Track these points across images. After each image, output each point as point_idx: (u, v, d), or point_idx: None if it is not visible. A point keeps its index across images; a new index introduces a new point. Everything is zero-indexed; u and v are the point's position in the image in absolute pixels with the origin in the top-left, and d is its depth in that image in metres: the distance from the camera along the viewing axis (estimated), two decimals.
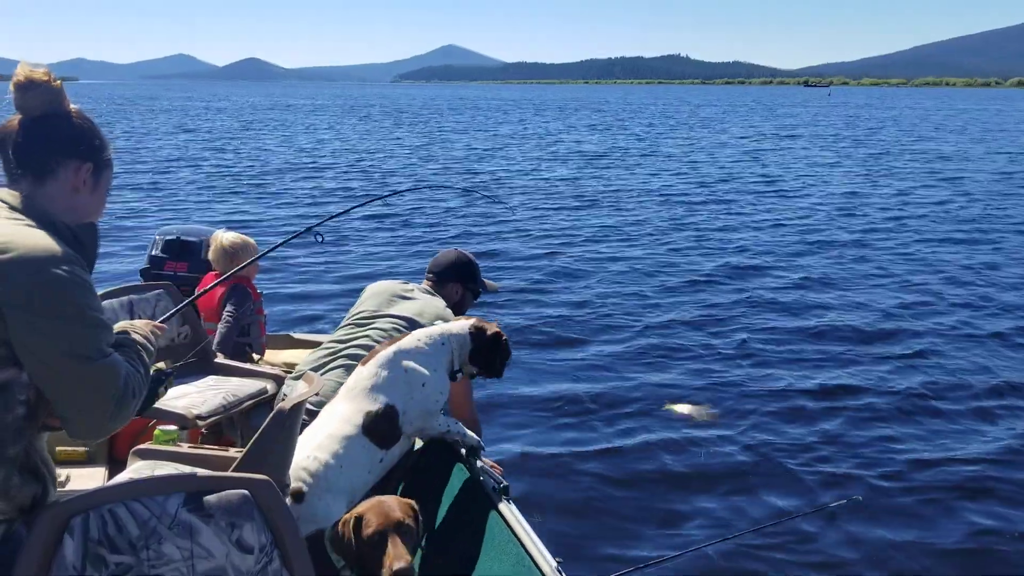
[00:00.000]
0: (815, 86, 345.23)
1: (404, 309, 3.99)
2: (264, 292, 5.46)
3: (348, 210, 5.14)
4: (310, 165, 26.90)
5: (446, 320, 3.89)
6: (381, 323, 3.88)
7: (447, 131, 46.83)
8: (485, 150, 33.36)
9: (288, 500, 3.06)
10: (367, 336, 3.85)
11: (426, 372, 3.45)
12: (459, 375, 3.65)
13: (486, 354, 3.62)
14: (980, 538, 5.23)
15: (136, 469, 2.99)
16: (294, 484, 3.08)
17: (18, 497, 2.06)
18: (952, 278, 11.94)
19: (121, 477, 2.93)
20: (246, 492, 2.19)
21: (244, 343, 4.74)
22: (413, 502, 2.61)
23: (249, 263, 4.53)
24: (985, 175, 25.61)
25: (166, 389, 2.43)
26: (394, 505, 2.53)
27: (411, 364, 3.44)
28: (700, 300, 10.73)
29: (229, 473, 2.49)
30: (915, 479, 5.94)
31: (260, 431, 2.78)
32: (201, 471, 2.72)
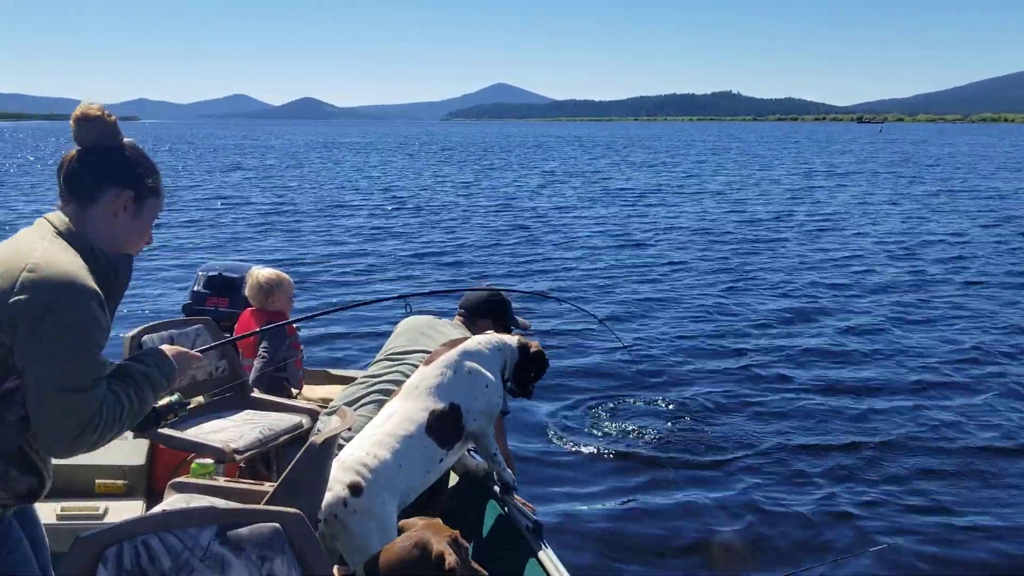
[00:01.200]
0: (868, 122, 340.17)
1: (436, 344, 4.03)
2: (304, 328, 5.52)
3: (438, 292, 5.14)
4: (359, 203, 27.26)
5: None
6: (413, 358, 3.93)
7: (496, 168, 47.18)
8: (534, 188, 33.51)
9: (346, 493, 3.11)
10: (399, 371, 3.90)
11: (489, 375, 3.60)
12: (509, 385, 3.76)
13: (525, 370, 3.76)
14: None
15: (171, 502, 3.04)
16: (353, 478, 3.14)
17: (16, 487, 2.21)
18: (1011, 325, 11.49)
19: (157, 510, 2.98)
20: (277, 525, 2.22)
21: (281, 378, 4.80)
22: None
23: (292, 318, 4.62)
24: None
25: (168, 421, 2.56)
26: (440, 524, 2.53)
27: (474, 366, 3.59)
28: (746, 342, 10.59)
29: (261, 506, 2.53)
30: (957, 538, 5.68)
31: (291, 465, 2.82)
32: (234, 504, 2.76)
